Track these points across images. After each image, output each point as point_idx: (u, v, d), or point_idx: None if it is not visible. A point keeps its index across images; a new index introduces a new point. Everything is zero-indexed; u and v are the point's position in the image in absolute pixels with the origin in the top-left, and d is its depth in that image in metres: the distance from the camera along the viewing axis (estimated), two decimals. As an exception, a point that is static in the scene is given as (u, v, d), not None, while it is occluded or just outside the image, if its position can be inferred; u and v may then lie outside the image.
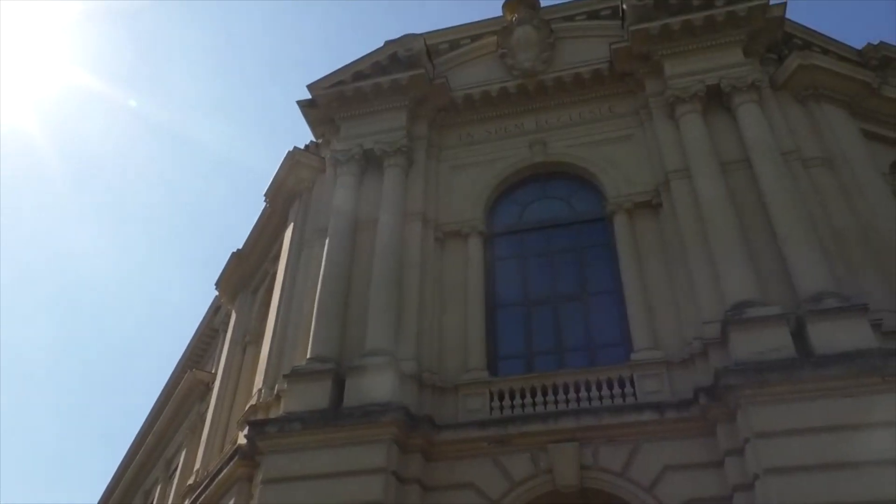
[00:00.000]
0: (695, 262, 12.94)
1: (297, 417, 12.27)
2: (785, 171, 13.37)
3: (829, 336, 10.87)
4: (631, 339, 12.92)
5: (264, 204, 18.70)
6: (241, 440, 13.38)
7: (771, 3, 15.48)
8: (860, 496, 9.43)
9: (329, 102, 17.42)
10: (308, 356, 13.39)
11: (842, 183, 13.77)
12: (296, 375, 13.05)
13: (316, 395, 12.64)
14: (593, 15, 18.03)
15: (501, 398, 12.62)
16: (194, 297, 70.58)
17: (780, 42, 16.44)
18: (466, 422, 12.36)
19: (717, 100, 14.99)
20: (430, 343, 13.64)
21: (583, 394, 12.21)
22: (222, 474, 13.50)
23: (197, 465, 16.69)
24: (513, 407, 12.45)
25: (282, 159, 17.75)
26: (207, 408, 18.58)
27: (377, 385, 12.35)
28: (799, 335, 11.29)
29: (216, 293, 21.79)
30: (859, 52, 18.22)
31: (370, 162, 16.45)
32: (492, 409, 12.54)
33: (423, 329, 13.71)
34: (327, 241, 15.15)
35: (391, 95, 16.96)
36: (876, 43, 18.37)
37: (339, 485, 11.27)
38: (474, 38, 18.39)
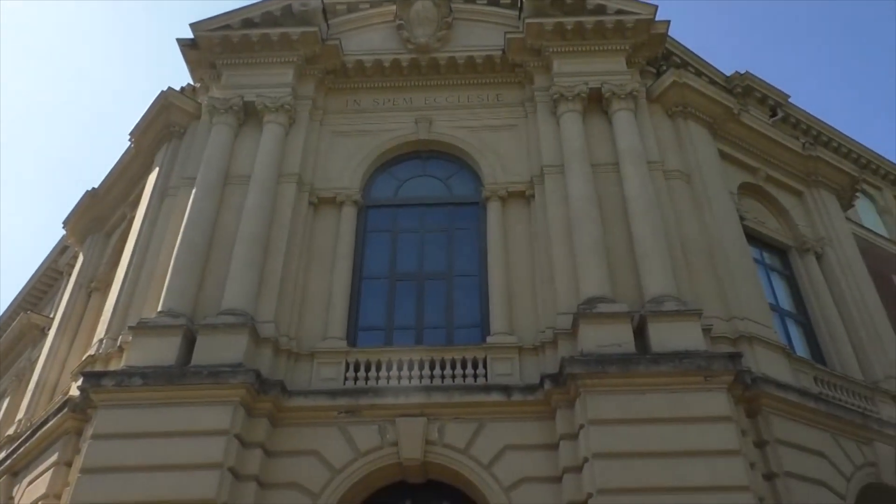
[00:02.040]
0: (557, 255, 13.46)
1: (138, 372, 11.66)
2: (648, 179, 14.16)
3: (665, 335, 11.72)
4: (489, 323, 13.30)
5: (129, 144, 17.52)
6: (74, 391, 12.55)
7: (656, 20, 16.32)
8: (677, 482, 10.21)
9: (212, 46, 16.53)
10: (159, 309, 12.75)
11: (695, 196, 14.81)
12: (143, 328, 12.38)
13: (162, 351, 12.07)
14: (493, 1, 18.21)
15: (357, 369, 12.63)
16: (39, 234, 65.05)
17: (660, 57, 17.41)
18: (319, 390, 12.25)
19: (596, 103, 15.63)
20: (291, 308, 13.38)
21: (437, 371, 12.45)
22: (48, 426, 12.64)
23: (20, 416, 15.48)
24: (367, 378, 12.49)
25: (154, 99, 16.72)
26: (39, 354, 17.26)
27: (230, 345, 11.99)
28: (640, 332, 12.10)
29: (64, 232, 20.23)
30: (727, 79, 19.68)
31: (249, 115, 15.82)
32: (346, 378, 12.52)
33: (286, 293, 13.43)
34: (194, 191, 14.44)
35: (280, 49, 16.36)
36: (742, 72, 19.93)
37: (176, 445, 10.86)
38: (373, 4, 18.05)
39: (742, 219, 15.52)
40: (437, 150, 16.12)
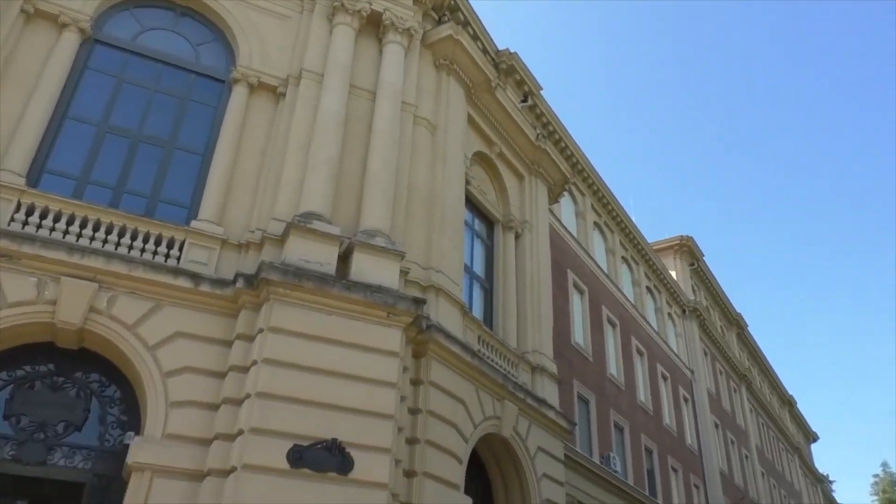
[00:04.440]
0: (290, 161, 13.16)
1: None
2: (397, 118, 14.48)
3: (365, 267, 12.22)
4: (199, 207, 12.64)
5: None
6: None
7: (454, -31, 16.58)
8: (333, 400, 10.80)
9: None
10: None
11: (435, 149, 15.55)
12: None
13: None
14: None
15: (30, 213, 11.15)
16: None
17: (446, 7, 17.74)
18: (-26, 224, 10.58)
19: (374, 27, 15.47)
20: (-35, 123, 11.29)
21: (125, 239, 11.51)
22: None
23: None
24: (40, 226, 11.10)
25: None
26: None
27: None
28: (345, 258, 12.47)
29: None
30: (497, 52, 20.81)
31: None
32: (13, 220, 10.98)
33: (-39, 103, 11.27)
34: None
35: None
36: (512, 52, 21.23)
37: None
38: None
39: (467, 183, 16.71)
40: (196, 10, 14.65)
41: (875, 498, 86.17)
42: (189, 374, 10.92)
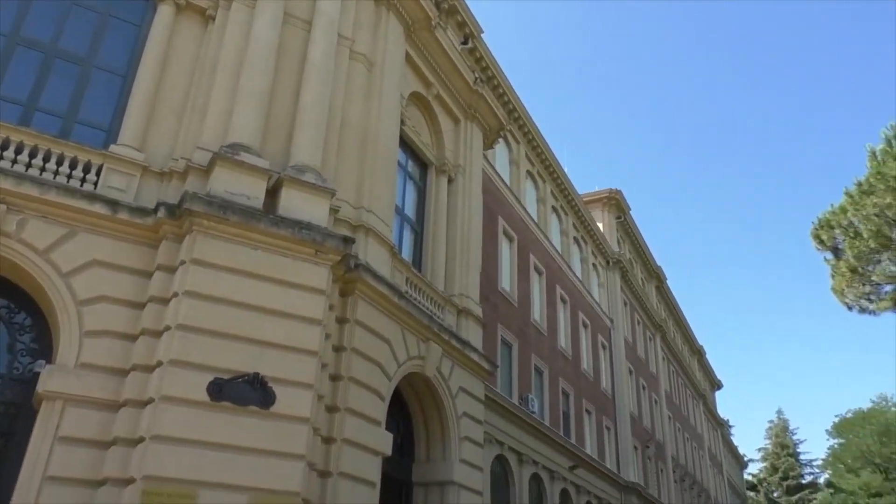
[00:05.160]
0: (218, 89, 12.65)
1: None
2: (333, 51, 14.04)
3: (294, 203, 11.98)
4: (119, 131, 12.05)
5: None
6: None
7: None
8: (257, 335, 10.69)
9: None
10: None
11: (370, 87, 15.20)
12: None
13: None
14: None
15: (-70, 127, 10.39)
16: None
17: (390, -61, 17.08)
18: None
19: (312, -47, 14.80)
20: None
21: (37, 161, 10.91)
22: None
23: None
24: (-59, 142, 10.38)
25: None
26: None
27: None
28: (273, 193, 12.18)
29: None
30: (440, -9, 20.31)
31: None
32: (-89, 133, 10.22)
33: None
34: None
35: None
36: (455, -8, 20.79)
37: None
38: None
39: (402, 123, 16.47)
40: (121, -83, 13.62)
41: (769, 441, 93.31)
42: (105, 303, 10.60)
